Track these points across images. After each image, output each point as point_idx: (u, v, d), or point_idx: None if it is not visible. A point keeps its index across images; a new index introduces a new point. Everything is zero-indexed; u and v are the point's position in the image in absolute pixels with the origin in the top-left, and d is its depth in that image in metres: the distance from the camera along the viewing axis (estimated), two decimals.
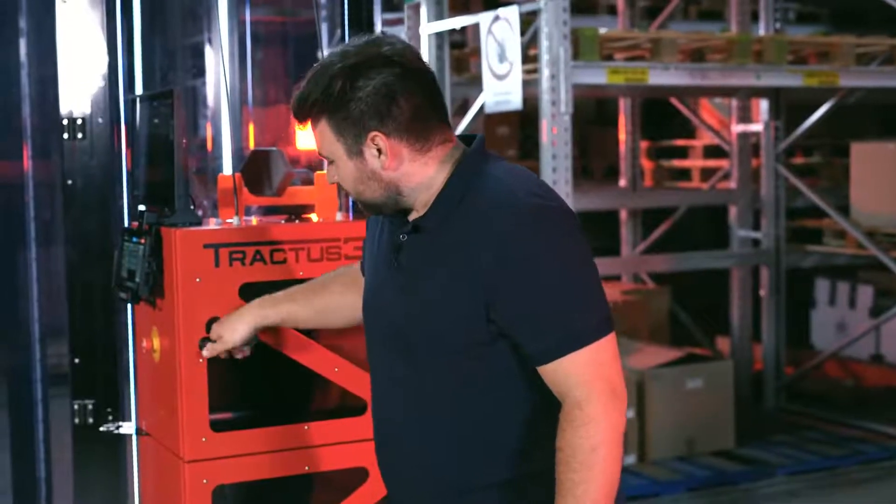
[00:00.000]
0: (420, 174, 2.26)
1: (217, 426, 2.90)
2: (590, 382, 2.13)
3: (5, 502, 4.33)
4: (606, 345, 2.15)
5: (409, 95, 2.20)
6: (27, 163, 4.33)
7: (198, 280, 2.86)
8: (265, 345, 2.91)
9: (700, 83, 6.11)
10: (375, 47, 2.21)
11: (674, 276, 8.05)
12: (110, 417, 3.27)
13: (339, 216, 3.10)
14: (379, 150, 2.23)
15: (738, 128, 7.74)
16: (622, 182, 8.38)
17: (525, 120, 8.85)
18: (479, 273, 2.17)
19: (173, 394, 2.90)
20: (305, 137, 4.35)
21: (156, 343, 3.03)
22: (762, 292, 7.68)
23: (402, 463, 2.36)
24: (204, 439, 2.88)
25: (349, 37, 3.27)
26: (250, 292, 2.90)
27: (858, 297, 8.56)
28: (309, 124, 2.28)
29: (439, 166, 2.27)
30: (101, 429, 3.26)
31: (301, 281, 2.91)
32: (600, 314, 2.17)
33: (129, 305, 3.25)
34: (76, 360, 3.25)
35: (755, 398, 7.53)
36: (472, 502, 2.28)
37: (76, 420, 3.26)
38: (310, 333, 2.97)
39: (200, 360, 2.86)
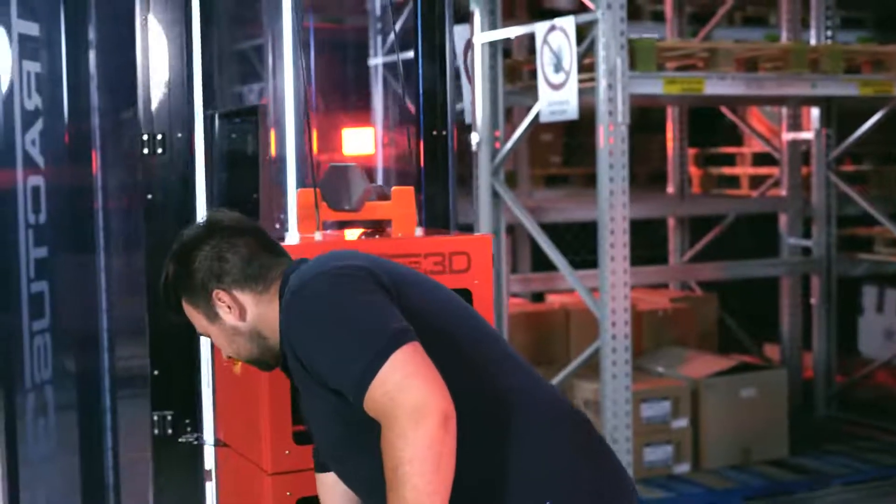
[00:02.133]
0: (271, 313, 2.43)
1: (300, 438, 2.94)
2: (386, 412, 2.12)
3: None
4: (391, 371, 2.13)
5: (235, 249, 2.45)
6: (96, 172, 4.39)
7: None
8: None
9: (756, 93, 6.11)
10: (196, 228, 2.52)
11: (721, 283, 8.05)
12: (189, 429, 3.32)
13: (418, 231, 3.14)
14: (228, 306, 2.43)
15: (788, 136, 7.74)
16: (670, 189, 8.39)
17: (570, 127, 8.89)
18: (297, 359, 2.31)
19: (256, 407, 2.94)
20: (351, 143, 4.42)
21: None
22: (813, 301, 7.67)
23: None
24: (287, 452, 2.92)
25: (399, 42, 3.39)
26: None
27: None
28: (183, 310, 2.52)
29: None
30: (180, 440, 3.31)
31: None
32: (372, 348, 2.15)
33: None
34: (155, 372, 3.30)
35: (806, 407, 7.53)
36: None
37: (155, 431, 3.31)
38: None
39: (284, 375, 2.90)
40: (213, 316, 2.46)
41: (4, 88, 4.05)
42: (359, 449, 2.32)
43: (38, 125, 4.19)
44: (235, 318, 2.44)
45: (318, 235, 3.02)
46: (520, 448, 2.29)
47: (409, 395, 2.11)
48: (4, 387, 3.80)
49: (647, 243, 8.37)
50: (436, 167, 3.51)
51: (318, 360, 2.24)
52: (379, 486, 2.21)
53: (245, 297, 2.43)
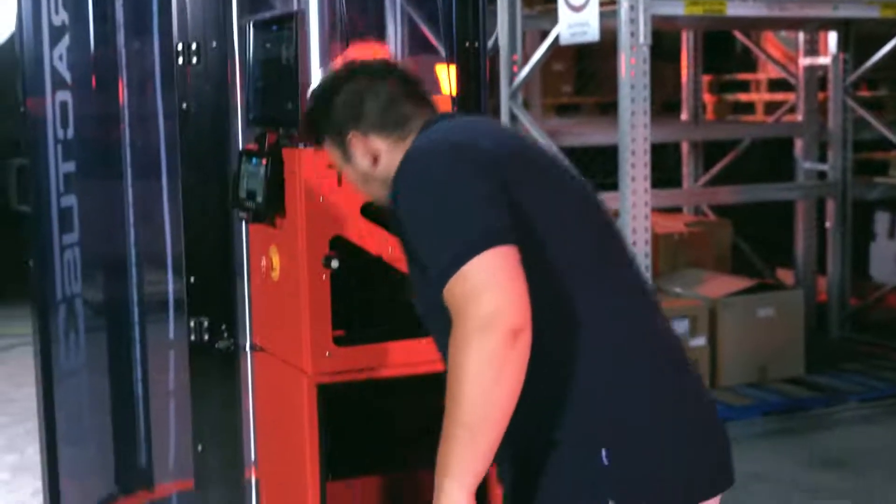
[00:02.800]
0: None
1: (340, 341, 2.99)
2: (458, 312, 2.01)
3: (104, 420, 4.45)
4: (475, 271, 2.00)
5: (375, 93, 2.38)
6: (122, 93, 4.40)
7: (321, 199, 2.93)
8: (381, 263, 2.99)
9: (778, 15, 6.09)
10: (341, 69, 2.48)
11: (734, 209, 8.06)
12: (225, 334, 3.36)
13: None
14: (362, 151, 2.38)
15: (805, 61, 7.72)
16: (684, 115, 8.38)
17: (582, 56, 8.86)
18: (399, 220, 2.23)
19: (296, 310, 2.99)
20: None
21: (275, 261, 3.11)
22: (828, 224, 7.70)
23: None
24: (328, 354, 2.97)
25: None
26: (371, 212, 2.98)
27: None
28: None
29: None
30: (217, 346, 3.35)
31: None
32: (464, 242, 2.02)
33: (243, 225, 3.33)
34: (192, 279, 3.33)
35: (820, 329, 7.58)
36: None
37: (192, 337, 3.34)
38: None
39: (324, 277, 2.94)
40: (347, 157, 2.41)
41: (31, 4, 4.06)
42: (438, 327, 2.26)
43: (66, 41, 4.21)
44: (368, 164, 2.38)
45: None
46: (590, 374, 2.18)
47: (483, 302, 1.98)
48: (38, 300, 3.84)
49: (661, 168, 8.38)
50: (468, 93, 3.48)
51: (414, 233, 2.16)
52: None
53: (379, 144, 2.37)
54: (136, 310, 4.49)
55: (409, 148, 2.27)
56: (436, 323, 2.28)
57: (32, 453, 5.90)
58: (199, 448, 3.40)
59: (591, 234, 2.29)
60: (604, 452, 2.14)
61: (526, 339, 2.00)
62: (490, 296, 1.98)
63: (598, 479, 2.14)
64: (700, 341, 6.21)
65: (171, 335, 4.62)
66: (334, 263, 2.91)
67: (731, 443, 2.32)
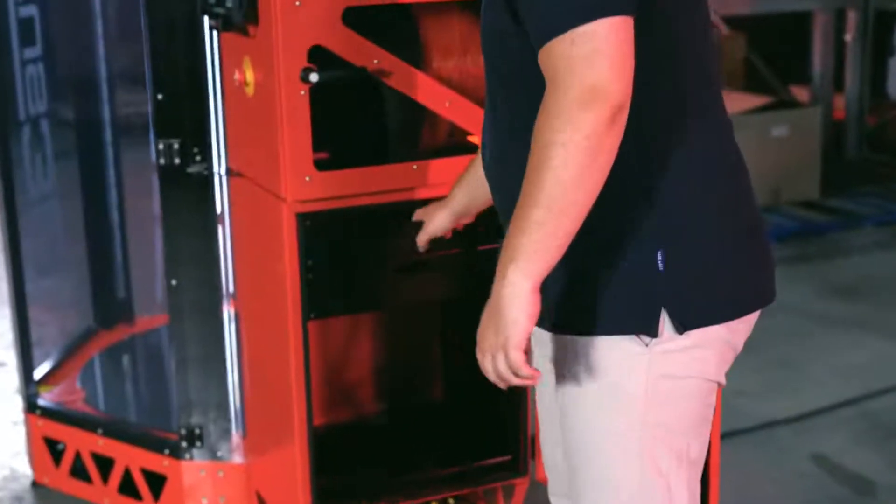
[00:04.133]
0: None
1: (321, 165, 2.68)
2: (557, 75, 1.78)
3: (79, 250, 4.17)
4: (587, 36, 1.76)
5: None
6: None
7: (297, 3, 2.58)
8: (370, 78, 2.66)
9: None
10: None
11: (748, 21, 7.65)
12: (197, 158, 3.05)
13: None
14: None
15: None
16: None
17: None
18: None
19: (273, 130, 2.67)
20: None
21: (249, 75, 2.78)
22: (847, 37, 7.30)
23: None
24: (308, 178, 2.66)
25: None
26: (354, 17, 2.63)
27: None
28: None
29: None
30: (189, 170, 3.04)
31: (409, 6, 2.67)
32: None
33: (214, 35, 2.98)
34: (159, 97, 3.00)
35: (837, 148, 7.25)
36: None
37: (161, 161, 3.04)
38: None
39: (302, 93, 2.61)
40: None
41: None
42: (509, 91, 2.02)
43: None
44: None
45: None
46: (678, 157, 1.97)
47: (591, 71, 1.75)
48: None
49: None
50: None
51: None
52: (508, 148, 2.01)
53: None
54: (108, 130, 4.17)
55: None
56: (505, 86, 2.03)
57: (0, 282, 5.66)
58: (173, 283, 3.13)
59: (700, 20, 2.02)
60: (659, 255, 1.96)
61: (623, 120, 1.79)
62: (599, 66, 1.76)
63: (652, 285, 1.96)
64: None
65: (154, 157, 4.32)
66: (313, 77, 2.58)
67: None
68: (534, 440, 3.06)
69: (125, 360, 4.15)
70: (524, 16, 1.87)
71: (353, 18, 2.64)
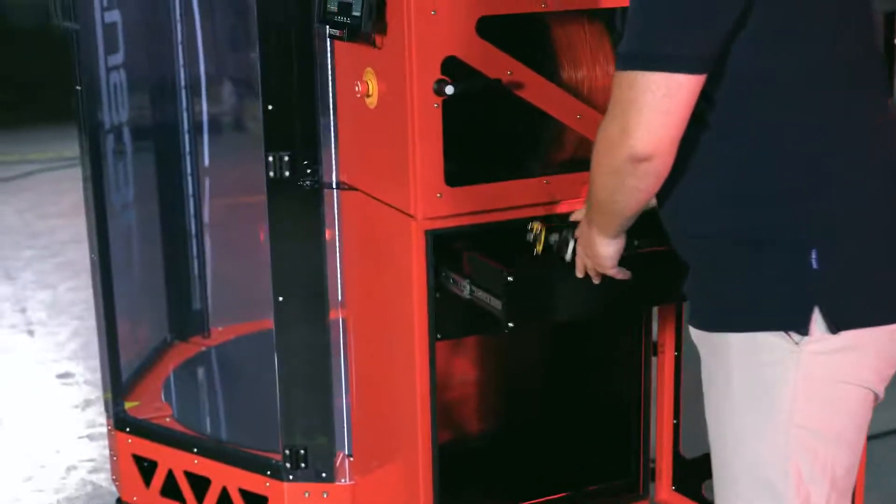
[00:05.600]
0: None
1: (453, 180, 2.57)
2: (610, 108, 1.95)
3: (155, 258, 4.08)
4: (639, 84, 1.88)
5: None
6: None
7: (433, 13, 2.48)
8: (503, 89, 2.56)
9: None
10: None
11: None
12: (308, 170, 2.95)
13: None
14: None
15: None
16: None
17: None
18: None
19: (402, 144, 2.56)
20: None
21: (372, 86, 2.68)
22: None
23: None
24: (439, 195, 2.56)
25: None
26: (488, 27, 2.53)
27: None
28: None
29: None
30: (300, 183, 2.94)
31: (543, 16, 2.57)
32: (652, 40, 1.89)
33: (328, 46, 2.88)
34: (269, 108, 2.90)
35: None
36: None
37: (271, 173, 2.94)
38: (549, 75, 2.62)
39: (435, 106, 2.51)
40: None
41: None
42: None
43: None
44: None
45: None
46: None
47: (619, 122, 1.91)
48: (87, 127, 3.42)
49: None
50: None
51: None
52: None
53: None
54: (186, 138, 4.08)
55: None
56: None
57: (65, 290, 5.59)
58: (280, 299, 3.03)
59: (847, 24, 1.97)
60: (813, 253, 1.94)
61: (652, 168, 1.93)
62: (631, 118, 1.89)
63: (805, 283, 1.94)
64: None
65: (207, 161, 4.23)
66: (449, 89, 2.48)
67: None
68: (654, 461, 2.99)
69: (207, 374, 4.05)
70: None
71: (483, 27, 2.54)
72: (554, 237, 2.47)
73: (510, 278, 2.42)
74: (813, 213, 1.95)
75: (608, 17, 2.74)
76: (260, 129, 2.93)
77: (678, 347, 2.90)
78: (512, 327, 2.45)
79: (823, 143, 1.95)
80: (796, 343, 1.96)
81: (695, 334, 2.13)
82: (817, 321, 1.95)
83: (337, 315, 3.07)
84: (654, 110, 1.87)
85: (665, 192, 2.05)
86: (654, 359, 2.94)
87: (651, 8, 1.89)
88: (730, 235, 2.00)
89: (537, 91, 2.59)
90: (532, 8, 2.57)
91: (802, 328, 1.95)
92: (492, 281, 2.47)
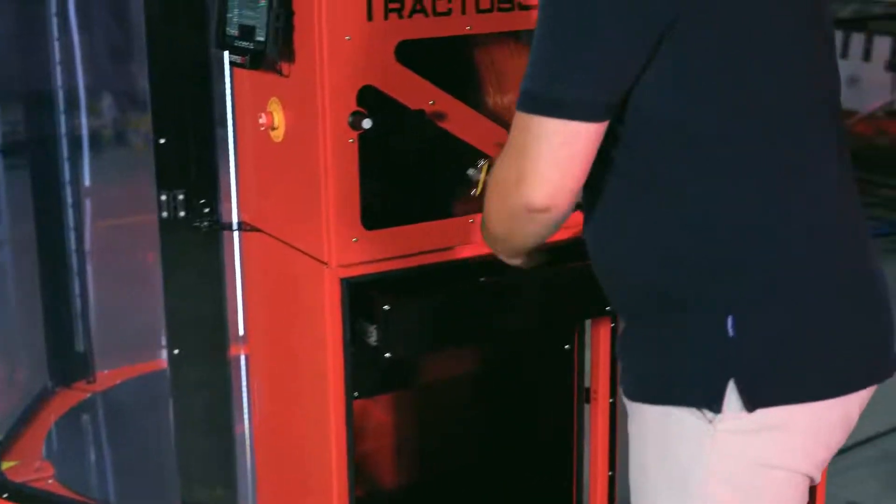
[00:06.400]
0: None
1: (370, 222, 2.32)
2: (506, 147, 1.78)
3: (35, 305, 3.75)
4: (537, 129, 1.71)
5: None
6: None
7: (347, 38, 2.22)
8: (425, 122, 2.32)
9: None
10: None
11: None
12: (205, 210, 2.67)
13: None
14: None
15: None
16: None
17: None
18: None
19: (313, 183, 2.30)
20: None
21: (278, 118, 2.41)
22: None
23: None
24: (355, 240, 2.30)
25: None
26: (408, 53, 2.29)
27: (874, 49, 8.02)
28: None
29: None
30: (197, 224, 2.66)
31: (472, 38, 2.34)
32: (553, 83, 1.70)
33: (226, 73, 2.61)
34: (161, 141, 2.61)
35: None
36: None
37: (164, 214, 2.65)
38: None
39: (351, 141, 2.25)
40: None
41: None
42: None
43: None
44: None
45: None
46: None
47: (519, 164, 1.73)
48: None
49: None
50: None
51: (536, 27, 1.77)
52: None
53: None
54: (66, 165, 3.76)
55: None
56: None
57: None
58: (175, 352, 2.74)
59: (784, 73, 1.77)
60: (730, 320, 1.73)
61: (551, 217, 1.77)
62: (524, 167, 1.72)
63: (720, 352, 1.74)
64: None
65: (87, 181, 3.94)
66: (366, 123, 2.22)
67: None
68: None
69: (93, 424, 3.74)
70: None
71: (403, 53, 2.29)
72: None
73: (386, 307, 2.24)
74: (734, 274, 1.75)
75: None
76: (144, 144, 2.66)
77: (612, 394, 2.68)
78: (389, 357, 2.28)
79: (748, 199, 1.74)
80: (709, 421, 1.75)
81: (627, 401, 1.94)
82: (732, 397, 1.74)
83: (240, 363, 2.81)
84: (550, 160, 1.71)
85: (589, 238, 1.90)
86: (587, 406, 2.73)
87: (548, 44, 1.72)
88: (647, 292, 1.82)
89: (462, 122, 2.36)
90: (456, 31, 2.32)
91: (714, 404, 1.74)
92: (372, 312, 2.28)
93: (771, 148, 1.75)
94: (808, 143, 1.79)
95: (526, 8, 2.38)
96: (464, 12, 2.32)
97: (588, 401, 2.73)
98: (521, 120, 1.73)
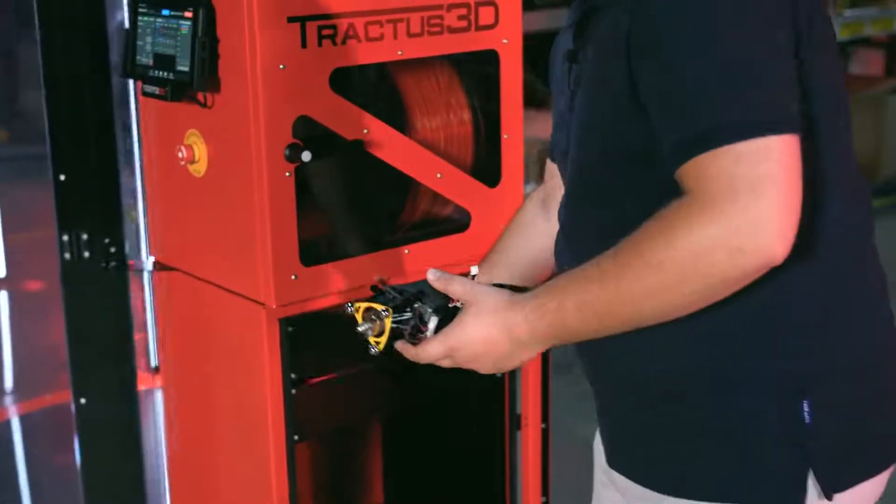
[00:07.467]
0: None
1: (309, 258, 2.21)
2: (711, 195, 1.37)
3: None
4: (758, 154, 1.35)
5: None
6: None
7: (282, 67, 2.10)
8: (360, 151, 2.22)
9: None
10: None
11: None
12: (111, 250, 2.50)
13: None
14: None
15: None
16: None
17: None
18: (619, 41, 1.49)
19: (245, 220, 2.18)
20: None
21: (199, 152, 2.27)
22: None
23: None
24: (294, 276, 2.19)
25: None
26: (342, 81, 2.18)
27: None
28: None
29: None
30: (104, 265, 2.50)
31: (398, 63, 2.26)
32: (752, 107, 1.38)
33: (132, 102, 2.45)
34: (62, 178, 2.44)
35: None
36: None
37: (66, 255, 2.48)
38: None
39: (287, 175, 2.14)
40: None
41: None
42: (601, 186, 1.62)
43: None
44: None
45: None
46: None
47: (757, 204, 1.34)
48: None
49: None
50: None
51: (655, 52, 1.43)
52: (594, 241, 1.53)
53: None
54: None
55: None
56: (594, 182, 1.64)
57: None
58: (82, 401, 2.57)
59: (844, 116, 1.61)
60: (805, 405, 1.53)
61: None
62: (767, 202, 1.34)
63: (796, 440, 1.53)
64: None
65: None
66: (305, 156, 2.11)
67: None
68: None
69: None
70: (651, 97, 1.45)
71: (342, 81, 2.19)
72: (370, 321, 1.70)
73: (290, 328, 2.16)
74: (806, 354, 1.55)
75: (459, 63, 2.44)
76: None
77: (545, 419, 2.63)
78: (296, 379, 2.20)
79: (831, 270, 1.57)
80: None
81: (620, 480, 1.73)
82: (810, 489, 1.56)
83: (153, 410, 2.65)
84: (794, 190, 1.37)
85: None
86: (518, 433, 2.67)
87: (707, 66, 1.39)
88: (698, 377, 1.57)
89: (396, 150, 2.27)
90: (388, 56, 2.23)
91: (792, 499, 1.55)
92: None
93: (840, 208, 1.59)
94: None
95: (455, 31, 2.30)
96: (395, 37, 2.22)
97: (519, 427, 2.67)
98: (749, 152, 1.36)
